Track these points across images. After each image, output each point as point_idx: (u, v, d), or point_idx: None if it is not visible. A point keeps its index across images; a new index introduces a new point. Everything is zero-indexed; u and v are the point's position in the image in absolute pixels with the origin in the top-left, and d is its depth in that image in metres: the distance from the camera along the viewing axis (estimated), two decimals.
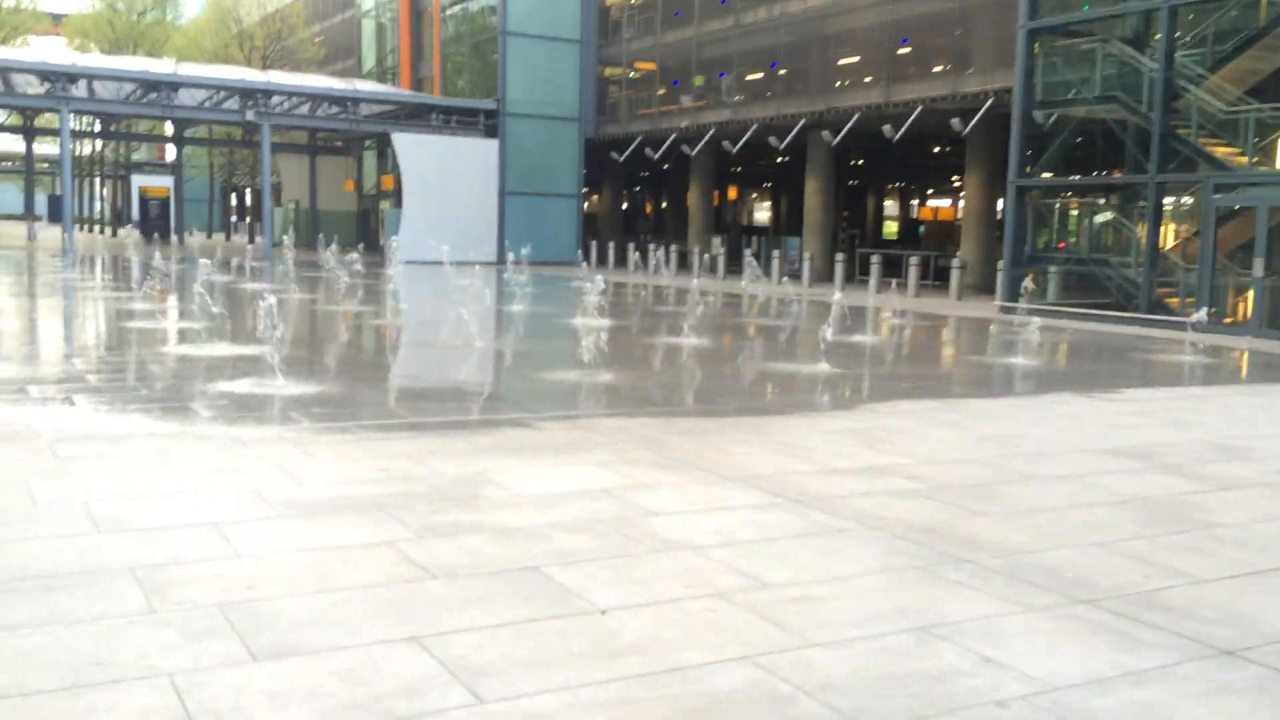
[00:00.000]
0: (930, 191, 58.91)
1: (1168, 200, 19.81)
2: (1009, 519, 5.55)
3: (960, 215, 52.65)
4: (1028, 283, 19.80)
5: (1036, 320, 16.09)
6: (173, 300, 16.37)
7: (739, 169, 44.84)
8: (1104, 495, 6.17)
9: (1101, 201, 21.46)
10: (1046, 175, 21.74)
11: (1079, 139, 21.16)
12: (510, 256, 30.10)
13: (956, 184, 54.32)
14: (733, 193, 52.26)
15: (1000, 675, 3.54)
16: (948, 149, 34.34)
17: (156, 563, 4.38)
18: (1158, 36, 19.15)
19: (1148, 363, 14.04)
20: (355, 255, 23.16)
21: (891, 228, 58.12)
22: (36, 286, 21.93)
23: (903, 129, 28.38)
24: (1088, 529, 5.42)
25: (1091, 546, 5.11)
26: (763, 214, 59.90)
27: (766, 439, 7.45)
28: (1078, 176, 21.61)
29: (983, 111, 26.20)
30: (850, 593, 4.31)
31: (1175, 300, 19.40)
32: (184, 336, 12.68)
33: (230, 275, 25.84)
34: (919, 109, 27.93)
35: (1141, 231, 19.69)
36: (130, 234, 28.75)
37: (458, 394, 9.45)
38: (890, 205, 59.74)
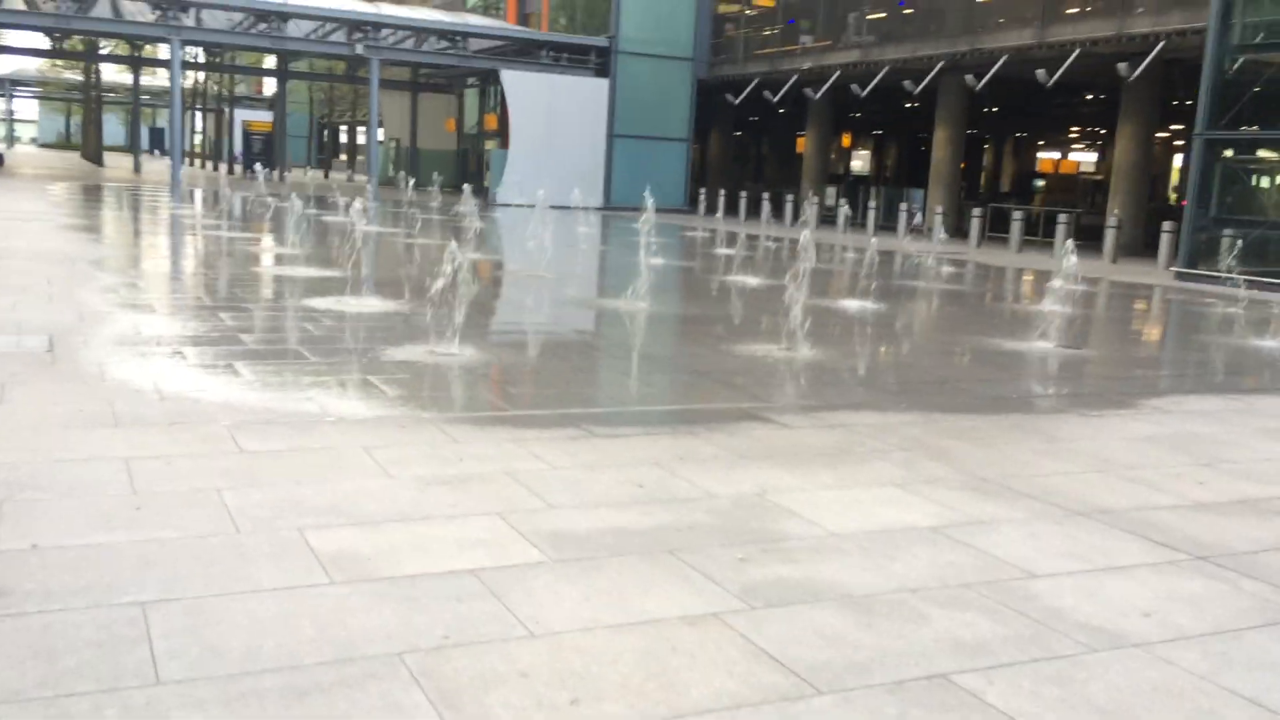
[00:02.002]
0: (1043, 143, 55.87)
1: None
2: None
3: (1085, 169, 50.00)
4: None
5: (1235, 290, 14.36)
6: (308, 244, 15.39)
7: (858, 115, 42.65)
8: None
9: None
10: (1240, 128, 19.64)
11: (1273, 88, 18.98)
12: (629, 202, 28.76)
13: (1075, 135, 51.45)
14: (846, 140, 49.98)
15: None
16: (1102, 97, 31.90)
17: (428, 644, 3.20)
18: None
19: None
20: (465, 199, 21.91)
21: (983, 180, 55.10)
22: (158, 226, 21.21)
23: (1058, 73, 26.23)
24: None
25: None
26: (858, 163, 57.48)
27: (1066, 449, 6.07)
28: None
29: (1153, 55, 23.98)
30: None
31: None
32: (329, 288, 11.62)
33: (347, 216, 24.95)
34: (1076, 52, 25.74)
35: None
36: (259, 171, 27.93)
37: (656, 371, 8.20)
38: (1005, 156, 56.83)
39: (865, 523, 4.56)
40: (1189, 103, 32.31)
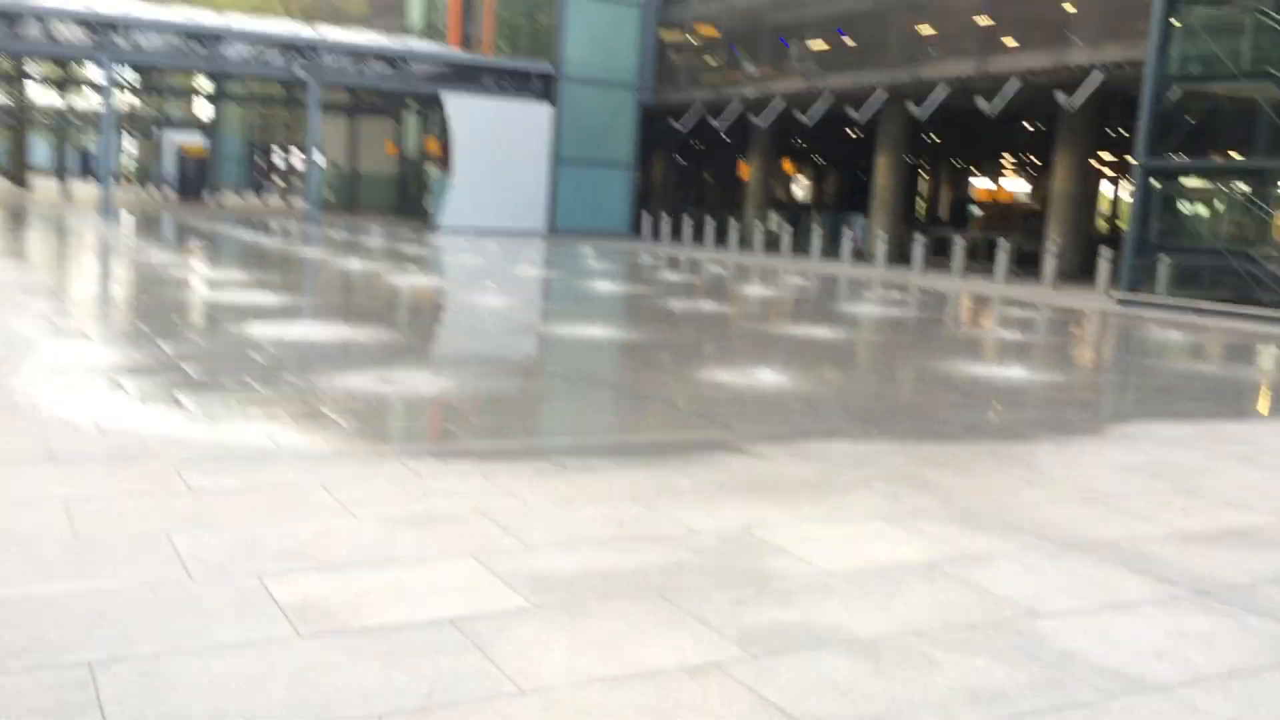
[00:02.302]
0: (978, 171, 56.81)
1: None
2: None
3: (1011, 196, 50.80)
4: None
5: (1178, 316, 14.54)
6: (246, 269, 14.93)
7: (801, 142, 42.99)
8: None
9: (1242, 187, 19.67)
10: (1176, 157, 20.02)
11: (1215, 118, 19.40)
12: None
13: (1010, 163, 52.38)
14: (788, 166, 50.32)
15: None
16: (1041, 126, 32.43)
17: (411, 704, 2.92)
18: None
19: None
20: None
21: (922, 207, 55.72)
22: (89, 250, 20.54)
23: (1001, 103, 26.60)
24: None
25: None
26: (799, 189, 57.94)
27: (1047, 477, 5.94)
28: (1218, 158, 19.78)
29: (1092, 87, 24.41)
30: None
31: None
32: (272, 313, 11.23)
33: (285, 240, 24.44)
34: (1018, 85, 26.14)
35: None
36: (224, 195, 27.16)
37: (620, 400, 7.96)
38: (942, 184, 57.64)
39: (858, 559, 4.36)
40: (1123, 132, 33.14)
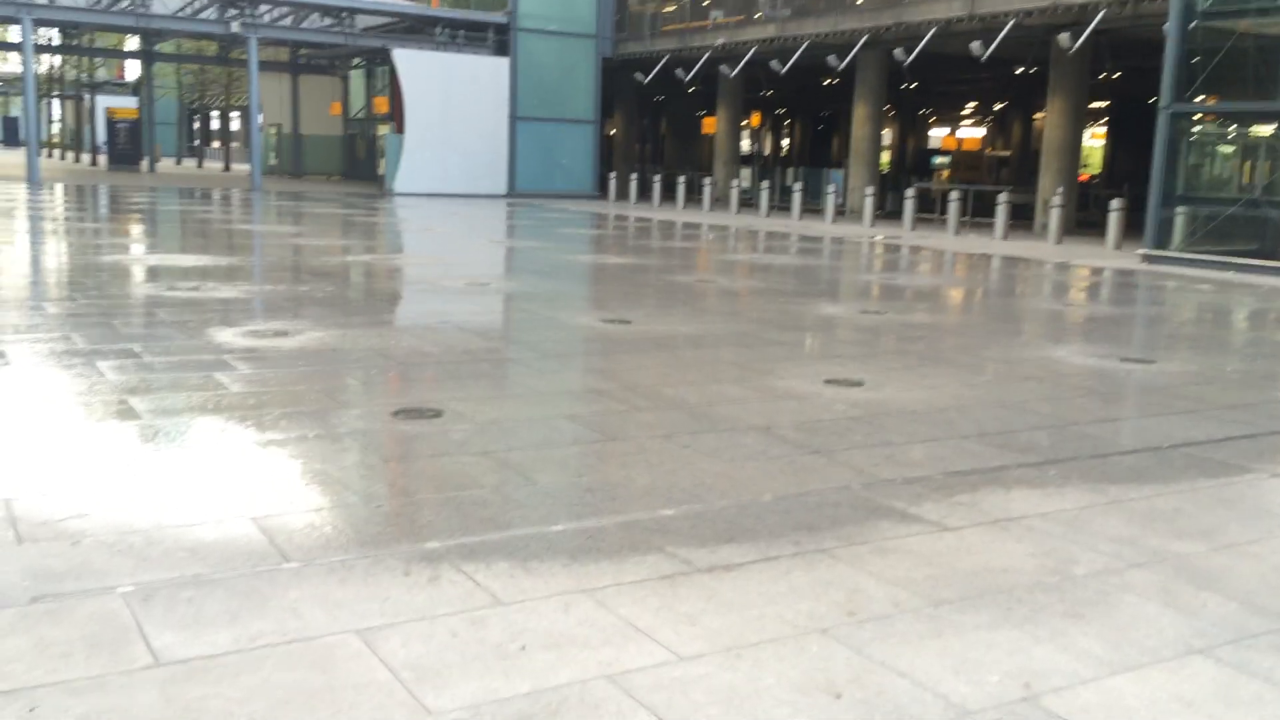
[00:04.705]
0: (946, 120, 55.40)
1: None
2: None
3: (993, 147, 49.33)
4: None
5: (1223, 274, 13.16)
6: (194, 246, 12.96)
7: (769, 93, 41.18)
8: None
9: (1276, 134, 18.27)
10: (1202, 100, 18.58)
11: (1242, 59, 17.94)
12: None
13: (977, 112, 50.98)
14: (756, 119, 48.52)
15: None
16: (1033, 71, 30.91)
17: None
18: None
19: None
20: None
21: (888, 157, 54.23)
22: (12, 224, 18.31)
23: (993, 45, 25.04)
24: None
25: None
26: (766, 143, 56.10)
27: None
28: (1252, 101, 18.30)
29: (1092, 26, 22.92)
30: None
31: None
32: (234, 311, 9.39)
33: (223, 209, 22.31)
34: (1010, 23, 24.58)
35: None
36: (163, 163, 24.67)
37: (692, 425, 6.25)
38: (909, 135, 56.16)
39: None
40: (1116, 76, 31.80)
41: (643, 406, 6.40)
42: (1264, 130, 18.34)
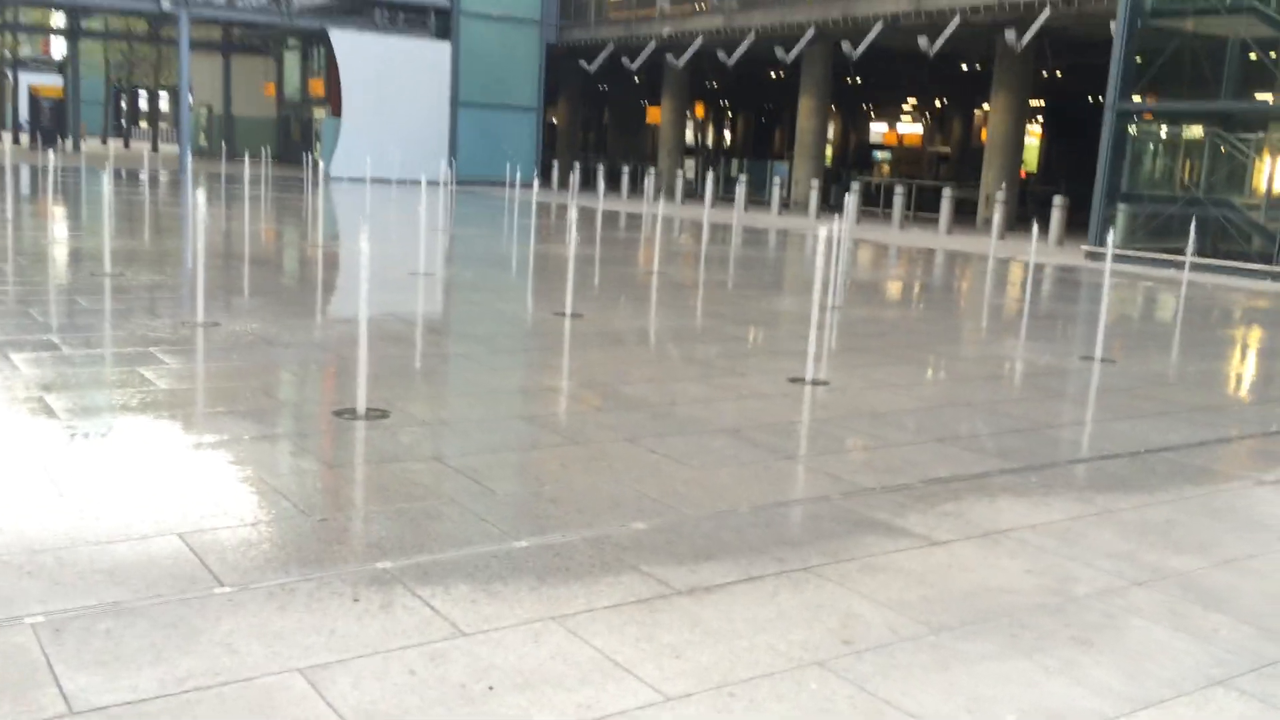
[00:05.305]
0: (886, 116, 55.66)
1: None
2: None
3: (929, 141, 49.58)
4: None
5: (1168, 272, 13.18)
6: (126, 233, 12.24)
7: (714, 85, 40.95)
8: None
9: (1219, 133, 18.40)
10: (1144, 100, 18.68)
11: (1192, 58, 18.04)
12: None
13: (914, 108, 51.27)
14: (700, 110, 48.24)
15: None
16: (977, 68, 31.02)
17: None
18: None
19: None
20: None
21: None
22: None
23: (940, 40, 25.02)
24: None
25: None
26: (710, 135, 55.79)
27: None
28: (1196, 101, 18.38)
29: (1039, 23, 22.99)
30: None
31: None
32: (164, 298, 8.87)
33: (150, 191, 21.47)
34: (956, 19, 24.57)
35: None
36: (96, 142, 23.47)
37: (664, 428, 5.91)
38: (851, 130, 56.34)
39: None
40: (1057, 75, 32.04)
41: (603, 406, 6.07)
42: (1203, 130, 18.48)
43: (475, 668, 2.94)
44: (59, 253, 12.39)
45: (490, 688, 2.83)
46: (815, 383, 6.96)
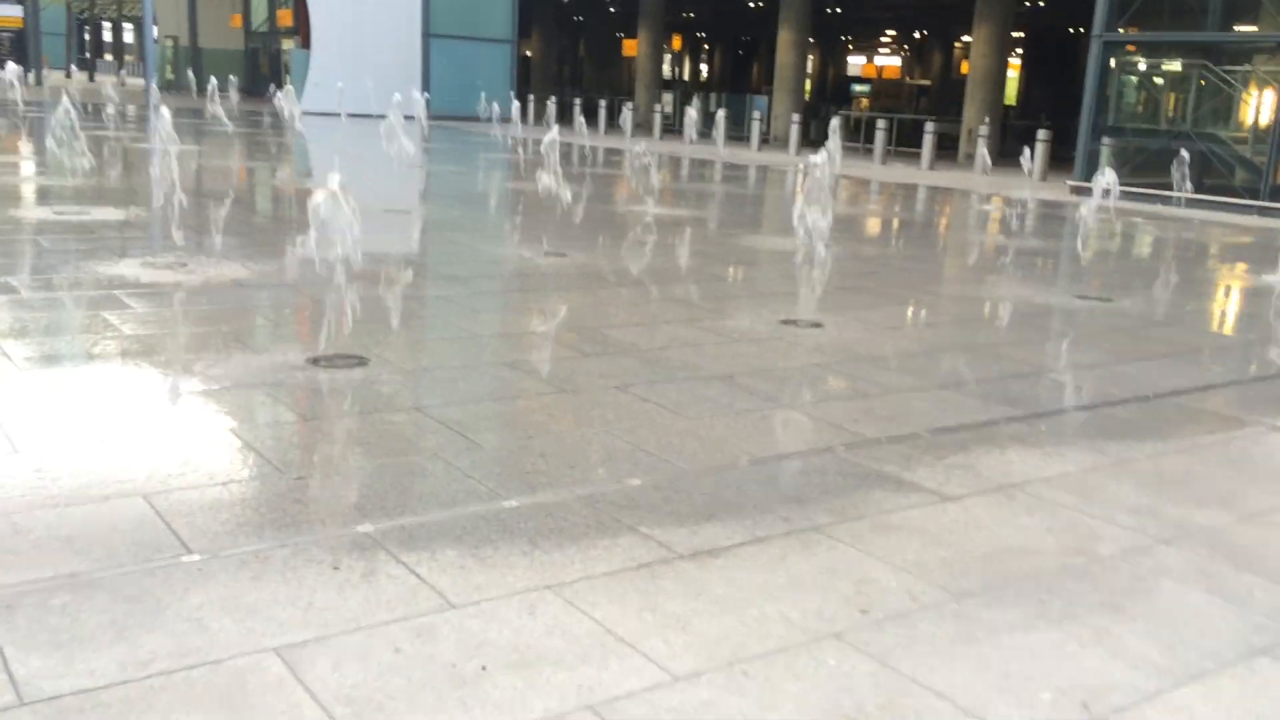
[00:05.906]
0: (864, 48, 54.89)
1: None
2: None
3: (901, 74, 48.87)
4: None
5: (1150, 205, 12.96)
6: (92, 172, 11.80)
7: (691, 15, 40.14)
8: None
9: (1206, 66, 18.06)
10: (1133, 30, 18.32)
11: None
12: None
13: (896, 40, 50.55)
14: (677, 43, 47.38)
15: None
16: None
17: None
18: None
19: None
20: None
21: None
22: None
23: None
24: None
25: None
26: (687, 68, 54.84)
27: None
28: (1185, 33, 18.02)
29: None
30: None
31: None
32: (140, 241, 8.49)
33: (117, 128, 20.80)
34: None
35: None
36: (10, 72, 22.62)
37: (647, 374, 5.65)
38: (829, 63, 55.52)
39: None
40: (1038, 4, 31.52)
41: (590, 352, 5.81)
42: (1189, 63, 18.16)
43: (466, 645, 2.70)
44: (17, 188, 11.92)
45: (483, 668, 2.61)
46: (809, 324, 6.72)
